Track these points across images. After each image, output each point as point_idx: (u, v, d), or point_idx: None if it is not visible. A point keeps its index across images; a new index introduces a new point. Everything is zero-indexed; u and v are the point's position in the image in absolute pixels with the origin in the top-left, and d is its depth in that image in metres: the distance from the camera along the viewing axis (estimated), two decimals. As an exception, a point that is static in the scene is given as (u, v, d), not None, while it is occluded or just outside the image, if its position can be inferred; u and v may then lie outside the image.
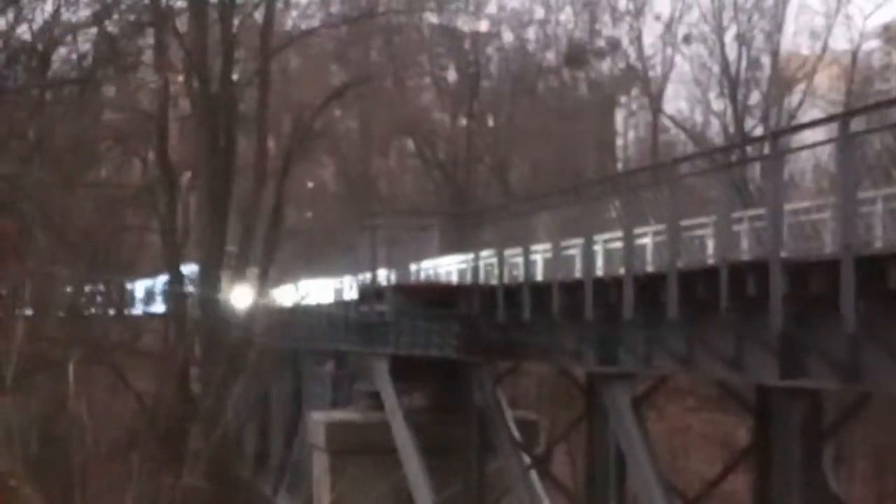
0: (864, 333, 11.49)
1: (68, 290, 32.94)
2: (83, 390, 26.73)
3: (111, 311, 37.50)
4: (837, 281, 11.52)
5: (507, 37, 55.57)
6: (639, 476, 16.89)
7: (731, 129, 50.62)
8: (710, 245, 15.80)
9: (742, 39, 53.32)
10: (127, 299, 38.88)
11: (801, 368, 12.96)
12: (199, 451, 30.11)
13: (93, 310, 35.61)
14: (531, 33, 55.97)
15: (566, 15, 55.65)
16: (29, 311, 27.06)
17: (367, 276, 30.94)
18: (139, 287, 38.90)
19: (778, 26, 53.49)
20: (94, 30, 31.62)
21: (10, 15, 28.80)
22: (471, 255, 26.07)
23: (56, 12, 30.60)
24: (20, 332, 19.72)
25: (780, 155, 14.64)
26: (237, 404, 33.25)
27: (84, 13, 31.25)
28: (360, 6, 47.73)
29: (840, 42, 52.84)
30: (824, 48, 53.01)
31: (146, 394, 33.89)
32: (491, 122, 53.69)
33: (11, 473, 9.09)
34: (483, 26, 54.17)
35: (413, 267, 30.21)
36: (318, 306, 34.05)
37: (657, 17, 54.99)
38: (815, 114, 43.51)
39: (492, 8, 53.97)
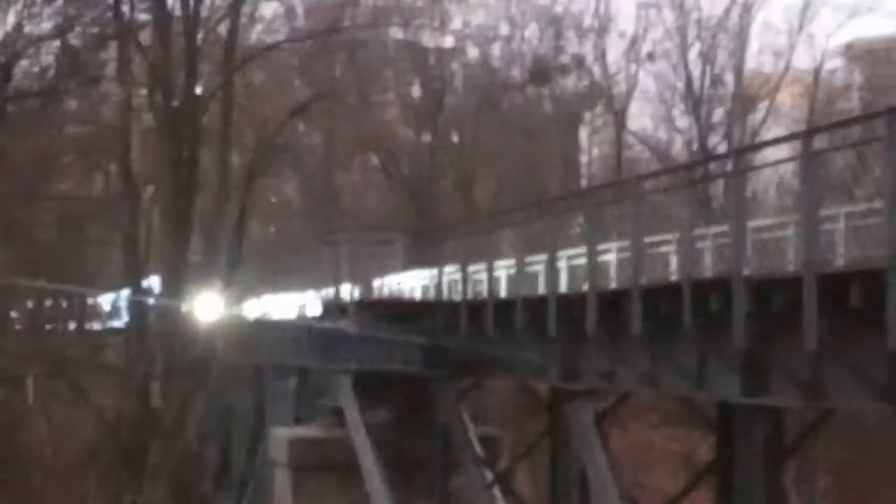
0: (826, 351, 11.54)
1: (28, 304, 32.84)
2: (42, 405, 26.69)
3: (72, 326, 37.41)
4: (800, 298, 11.58)
5: (472, 53, 55.85)
6: (601, 492, 16.92)
7: (695, 146, 50.87)
8: (674, 261, 15.87)
9: (706, 57, 53.73)
10: (88, 313, 38.73)
11: (763, 386, 13.02)
12: (159, 466, 30.08)
13: (53, 324, 35.48)
14: (496, 49, 56.22)
15: (531, 31, 55.97)
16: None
17: (331, 291, 30.98)
18: (101, 301, 38.73)
19: (741, 44, 53.92)
20: (56, 43, 31.60)
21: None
22: (434, 271, 26.11)
23: (18, 25, 30.56)
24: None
25: (742, 172, 14.70)
26: (199, 420, 33.17)
27: (46, 26, 31.26)
28: (324, 21, 47.72)
29: (803, 60, 53.32)
30: (787, 66, 53.50)
31: (107, 409, 33.79)
32: (455, 138, 53.80)
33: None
34: (448, 42, 54.30)
35: (376, 282, 30.26)
36: (282, 321, 34.03)
37: (621, 35, 55.39)
38: (778, 131, 43.82)
39: (457, 24, 54.11)
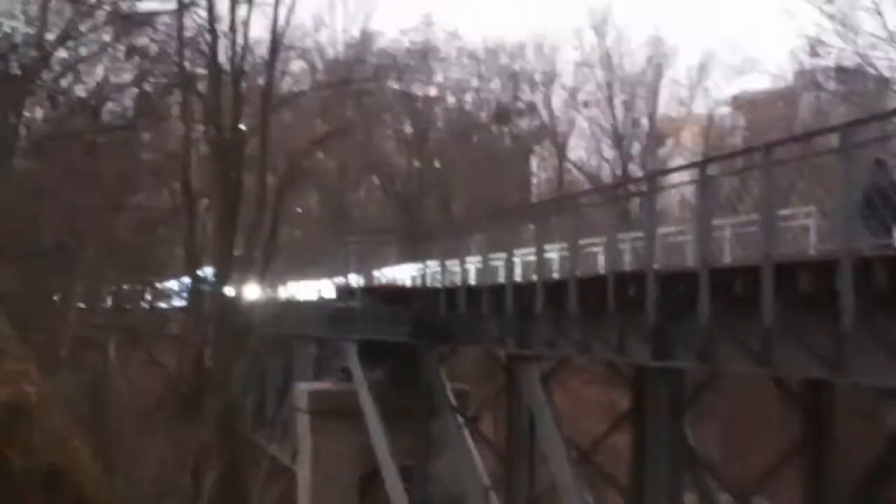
0: (717, 325, 11.60)
1: (113, 288, 32.66)
2: (122, 366, 26.51)
3: (145, 305, 37.22)
4: (696, 287, 11.64)
5: (450, 100, 55.77)
6: (546, 434, 16.97)
7: (619, 172, 50.99)
8: (601, 259, 15.93)
9: (627, 105, 53.93)
10: (157, 296, 38.65)
11: (668, 353, 13.05)
12: (210, 412, 30.03)
13: (131, 304, 35.36)
14: (468, 97, 56.21)
15: (495, 84, 55.95)
16: (82, 305, 26.77)
17: (342, 279, 30.98)
18: (167, 286, 38.65)
19: (654, 95, 54.15)
20: (134, 90, 31.36)
21: (70, 77, 28.59)
22: (420, 265, 26.15)
23: (105, 76, 30.41)
24: (73, 321, 19.52)
25: (654, 192, 14.77)
26: (240, 377, 33.09)
27: (127, 77, 31.02)
28: (338, 75, 47.70)
29: (700, 108, 53.69)
30: (688, 113, 53.77)
31: (171, 368, 33.73)
32: (437, 164, 53.66)
33: (66, 429, 8.99)
34: (432, 92, 54.31)
35: (376, 273, 30.25)
36: (304, 302, 34.00)
37: (563, 87, 55.47)
38: (681, 161, 43.89)
39: (438, 77, 54.14)
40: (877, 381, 9.60)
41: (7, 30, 25.28)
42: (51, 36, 25.29)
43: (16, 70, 24.41)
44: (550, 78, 55.81)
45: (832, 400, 13.32)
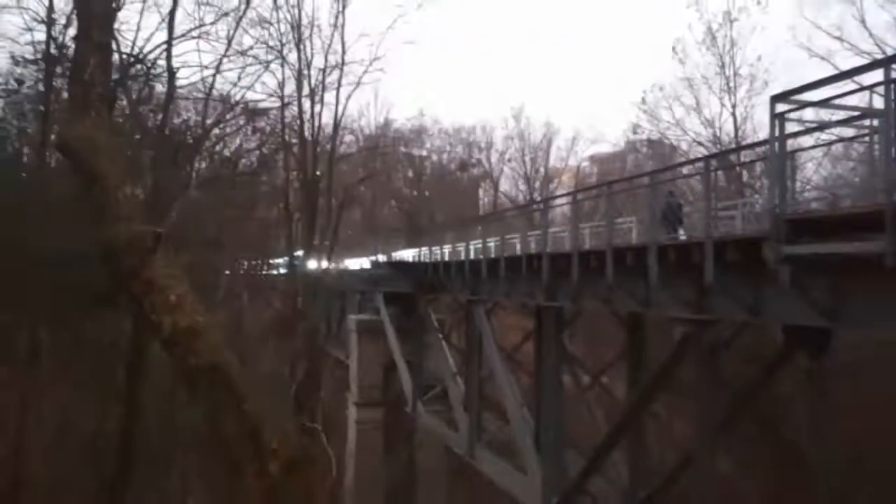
0: (580, 282, 11.67)
1: (246, 264, 32.40)
2: (250, 306, 26.26)
3: (264, 272, 37.03)
4: (570, 263, 11.73)
5: (434, 158, 55.66)
6: (487, 343, 17.04)
7: (528, 198, 51.10)
8: (518, 246, 16.00)
9: (532, 160, 54.19)
10: (270, 266, 38.47)
11: (554, 297, 13.13)
12: (301, 332, 29.93)
13: (254, 270, 35.09)
14: (444, 156, 56.15)
15: (459, 148, 55.97)
16: (227, 272, 26.51)
17: (374, 257, 30.97)
18: (276, 261, 38.41)
19: (547, 154, 54.39)
20: (257, 151, 31.24)
21: (221, 145, 28.46)
22: (418, 249, 26.17)
23: (240, 144, 30.26)
24: (224, 280, 19.35)
25: (547, 209, 14.86)
26: (318, 311, 32.99)
27: (253, 144, 30.86)
28: (371, 142, 47.60)
29: (573, 162, 53.97)
30: (566, 164, 54.10)
31: (278, 308, 33.55)
32: (427, 194, 53.62)
33: (220, 342, 9.02)
34: (424, 153, 54.39)
35: (394, 253, 30.24)
36: (353, 270, 33.93)
37: (496, 150, 55.64)
38: (562, 192, 44.08)
39: (427, 145, 54.35)
40: (665, 312, 9.73)
41: (185, 117, 25.32)
42: (209, 120, 25.05)
43: (190, 140, 24.19)
44: (489, 145, 55.89)
45: (645, 323, 13.45)
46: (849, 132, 7.43)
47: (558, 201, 19.92)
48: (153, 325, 9.00)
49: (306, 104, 32.74)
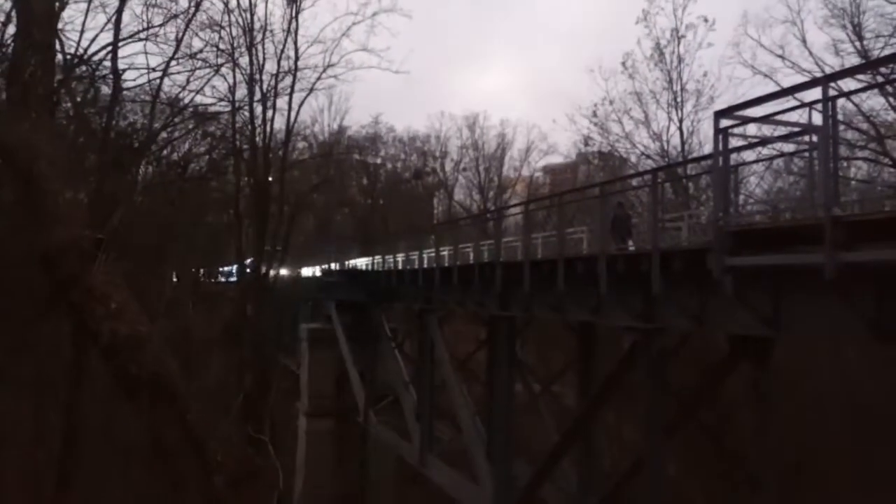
0: (532, 292, 11.73)
1: (193, 271, 31.65)
2: (197, 315, 25.63)
3: (212, 279, 36.22)
4: (522, 272, 11.78)
5: (389, 166, 55.42)
6: (439, 352, 16.95)
7: (482, 207, 51.29)
8: (471, 255, 16.00)
9: (486, 170, 54.62)
10: (220, 273, 37.67)
11: (507, 306, 13.16)
12: (249, 341, 29.33)
13: (205, 279, 34.33)
14: (399, 164, 55.95)
15: (413, 157, 55.77)
16: (174, 279, 25.80)
17: (328, 265, 30.60)
18: (225, 269, 37.64)
19: (500, 165, 54.83)
20: (206, 156, 30.61)
21: (168, 149, 27.77)
22: (371, 258, 25.99)
23: (189, 148, 29.60)
24: (167, 289, 18.81)
25: (501, 217, 14.92)
26: (268, 319, 32.38)
27: (203, 148, 30.25)
28: (324, 148, 47.22)
29: (526, 172, 54.50)
30: (519, 175, 54.54)
31: (227, 315, 32.85)
32: (381, 202, 53.36)
33: (163, 351, 8.72)
34: (378, 161, 54.11)
35: (347, 261, 29.95)
36: (305, 277, 33.48)
37: (451, 159, 55.72)
38: (515, 202, 44.43)
39: (382, 153, 54.09)
40: (615, 322, 9.84)
41: (131, 120, 24.63)
42: (157, 124, 24.43)
43: (136, 144, 23.51)
44: (444, 154, 55.99)
45: (595, 332, 13.58)
46: (789, 147, 7.66)
47: (511, 211, 20.04)
48: (93, 334, 8.65)
49: (258, 109, 32.33)
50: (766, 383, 9.62)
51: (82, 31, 20.04)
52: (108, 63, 20.36)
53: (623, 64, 28.24)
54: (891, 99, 18.06)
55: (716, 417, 17.50)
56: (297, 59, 32.45)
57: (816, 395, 20.84)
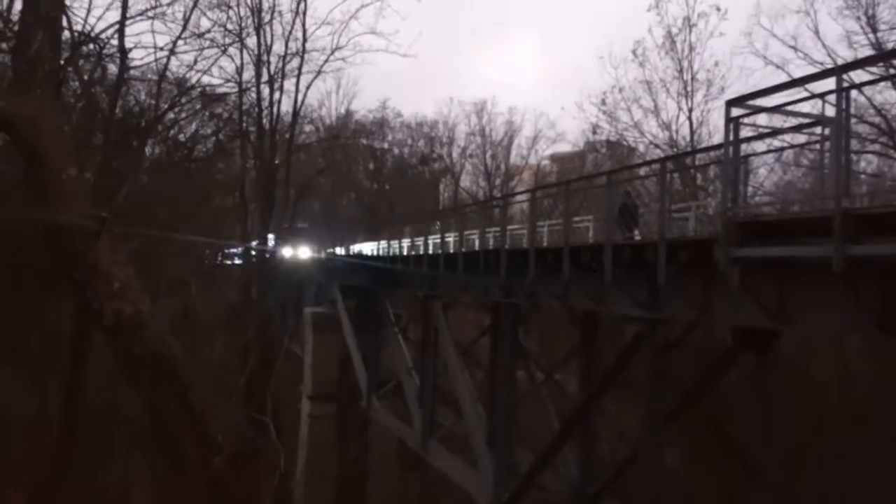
0: (537, 280, 11.69)
1: (198, 252, 31.67)
2: (200, 294, 25.61)
3: (219, 260, 36.25)
4: (527, 260, 11.74)
5: (395, 151, 55.11)
6: (443, 338, 16.96)
7: (488, 194, 51.05)
8: (477, 242, 15.96)
9: (494, 157, 54.19)
10: (225, 254, 37.69)
11: (512, 294, 13.15)
12: (253, 324, 29.36)
13: (208, 259, 34.34)
14: (406, 150, 55.59)
15: (421, 143, 55.30)
16: (179, 260, 25.81)
17: (333, 249, 30.59)
18: (231, 252, 37.65)
19: (507, 152, 54.41)
20: (213, 138, 30.51)
21: (175, 129, 27.65)
22: (377, 243, 25.96)
23: (196, 130, 29.47)
24: (173, 270, 18.83)
25: (506, 205, 14.88)
26: (271, 302, 32.44)
27: (209, 130, 30.11)
28: (331, 132, 46.99)
29: (533, 160, 54.16)
30: (526, 162, 54.25)
31: (231, 296, 32.94)
32: (387, 187, 53.17)
33: (165, 331, 8.72)
34: (385, 146, 53.86)
35: (352, 246, 29.93)
36: (311, 261, 33.43)
37: (458, 146, 55.19)
38: (522, 188, 44.29)
39: (389, 138, 53.67)
40: (619, 311, 9.81)
41: (139, 100, 24.55)
42: (164, 104, 24.32)
43: (142, 124, 23.45)
44: (451, 140, 55.51)
45: (599, 321, 13.57)
46: (800, 139, 7.56)
47: (517, 198, 19.94)
48: (96, 312, 8.65)
49: (265, 91, 32.07)
50: (769, 375, 9.59)
51: (89, 9, 19.96)
52: (115, 42, 20.22)
53: (633, 52, 28.00)
54: (904, 92, 17.84)
55: (716, 408, 17.51)
56: (304, 40, 32.18)
57: (817, 386, 20.84)
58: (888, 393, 20.39)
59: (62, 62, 17.49)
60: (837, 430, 20.52)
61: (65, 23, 18.40)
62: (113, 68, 21.61)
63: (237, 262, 37.13)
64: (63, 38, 18.34)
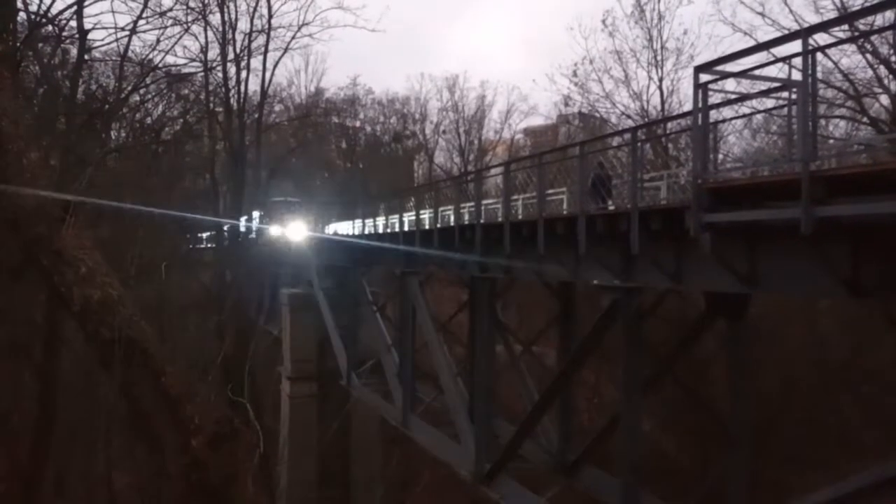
0: (512, 253, 11.70)
1: (169, 236, 31.12)
2: (173, 279, 25.10)
3: (191, 245, 35.74)
4: (502, 234, 11.73)
5: (368, 129, 54.59)
6: (421, 315, 16.95)
7: (462, 170, 50.84)
8: (452, 218, 15.88)
9: (467, 133, 53.77)
10: (197, 238, 37.18)
11: (487, 269, 13.14)
12: (229, 305, 29.05)
13: (183, 244, 33.78)
14: (378, 127, 55.06)
15: (393, 120, 54.78)
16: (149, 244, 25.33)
17: (308, 229, 30.27)
18: (204, 235, 37.16)
19: (480, 126, 54.11)
20: (181, 119, 29.92)
21: (141, 111, 27.03)
22: (351, 222, 25.77)
23: (163, 111, 28.85)
24: (137, 251, 18.45)
25: (480, 179, 14.80)
26: (246, 284, 32.08)
27: (176, 111, 29.54)
28: (302, 111, 46.40)
29: (507, 134, 53.95)
30: (500, 137, 54.08)
31: (204, 280, 32.55)
32: (361, 166, 52.74)
33: (136, 315, 8.57)
34: (357, 124, 53.26)
35: (327, 225, 29.68)
36: (287, 242, 33.15)
37: (431, 122, 54.72)
38: (496, 162, 44.20)
39: (361, 115, 53.18)
40: (594, 280, 9.86)
41: (101, 83, 23.90)
42: (127, 86, 23.73)
43: (106, 106, 22.86)
44: (424, 117, 55.08)
45: (575, 292, 13.65)
46: (769, 104, 7.59)
47: (492, 171, 19.89)
48: (64, 298, 8.47)
49: (231, 70, 31.50)
50: (741, 339, 9.75)
51: (46, -11, 19.25)
52: (74, 24, 19.59)
53: (603, 21, 27.95)
54: (868, 56, 18.03)
55: (693, 375, 17.82)
56: (270, 17, 31.60)
57: (789, 349, 21.28)
58: (858, 357, 20.90)
59: (19, 45, 16.91)
60: (810, 394, 21.01)
61: (20, 4, 17.83)
62: (73, 51, 21.01)
63: (210, 245, 36.69)
64: (19, 19, 17.76)
